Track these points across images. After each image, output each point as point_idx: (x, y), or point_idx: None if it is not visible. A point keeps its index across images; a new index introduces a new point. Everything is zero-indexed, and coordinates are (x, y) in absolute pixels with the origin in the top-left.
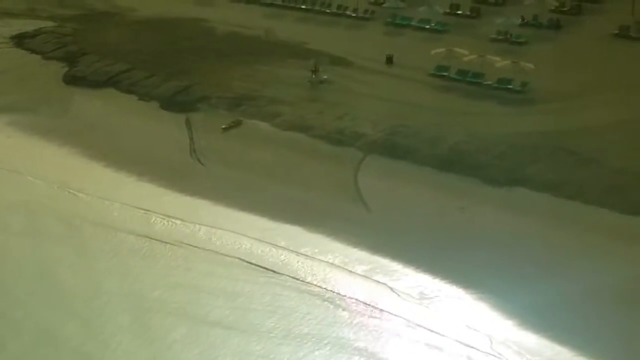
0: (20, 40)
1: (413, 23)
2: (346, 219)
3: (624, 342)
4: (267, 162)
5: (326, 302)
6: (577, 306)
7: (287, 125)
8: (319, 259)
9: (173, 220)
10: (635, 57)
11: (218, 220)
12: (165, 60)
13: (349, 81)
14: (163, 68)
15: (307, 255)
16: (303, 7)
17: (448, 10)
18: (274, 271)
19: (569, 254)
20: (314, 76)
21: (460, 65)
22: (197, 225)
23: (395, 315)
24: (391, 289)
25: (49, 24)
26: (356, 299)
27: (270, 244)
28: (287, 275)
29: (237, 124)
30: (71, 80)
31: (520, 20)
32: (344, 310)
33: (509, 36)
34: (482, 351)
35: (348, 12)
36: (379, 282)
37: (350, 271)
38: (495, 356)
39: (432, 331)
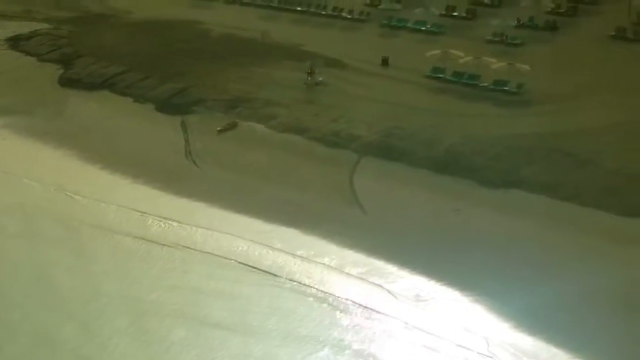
0: (15, 42)
1: (409, 25)
2: (342, 221)
3: (620, 344)
4: (262, 164)
5: (324, 304)
6: (573, 308)
7: (282, 128)
8: (316, 261)
9: (169, 222)
10: (632, 58)
11: (214, 223)
12: (160, 63)
13: (345, 83)
14: (158, 70)
15: (303, 258)
16: (298, 9)
17: (444, 12)
18: (271, 273)
19: (565, 256)
20: (309, 78)
21: (456, 67)
22: (194, 228)
23: (393, 317)
24: (388, 291)
25: (45, 26)
26: (353, 301)
27: (267, 246)
28: (285, 278)
29: (232, 126)
30: (66, 82)
31: (516, 21)
32: (341, 312)
33: (504, 38)
34: (478, 353)
35: (344, 14)
36: (375, 284)
37: (347, 273)
38: (491, 358)
39: (429, 333)
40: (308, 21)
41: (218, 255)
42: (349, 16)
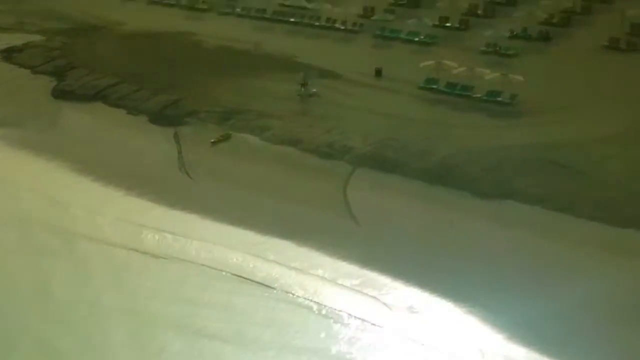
0: (8, 54)
1: (402, 35)
2: (336, 232)
3: (614, 355)
4: (256, 176)
5: (319, 316)
6: (567, 319)
7: (276, 139)
8: (310, 273)
9: (164, 234)
10: (625, 69)
11: (207, 234)
12: (154, 74)
13: (338, 94)
14: (152, 82)
15: (297, 269)
16: (292, 20)
17: (437, 23)
18: (266, 285)
19: (559, 267)
20: (303, 89)
21: (450, 77)
22: (188, 240)
23: (387, 328)
24: (382, 302)
25: (38, 37)
26: (348, 313)
27: (261, 257)
28: (279, 289)
29: (226, 137)
30: (60, 94)
31: (509, 32)
32: (336, 323)
33: (498, 48)
34: None
35: (337, 25)
36: (369, 295)
37: (341, 285)
38: None
39: (423, 344)
40: (302, 32)
41: (212, 267)
42: (343, 27)
